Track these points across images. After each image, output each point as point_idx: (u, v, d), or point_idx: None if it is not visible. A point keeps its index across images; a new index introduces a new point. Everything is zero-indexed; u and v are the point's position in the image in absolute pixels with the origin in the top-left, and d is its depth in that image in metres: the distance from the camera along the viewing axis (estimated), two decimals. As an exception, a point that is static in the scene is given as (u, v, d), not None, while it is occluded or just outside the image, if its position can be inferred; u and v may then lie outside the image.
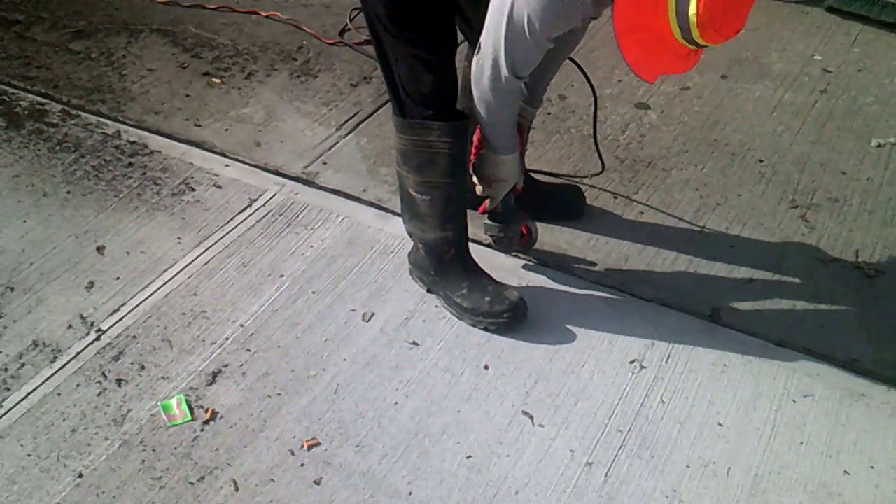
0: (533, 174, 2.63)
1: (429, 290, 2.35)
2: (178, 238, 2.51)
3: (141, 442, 1.99)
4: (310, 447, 1.99)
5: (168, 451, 1.98)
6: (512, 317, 2.24)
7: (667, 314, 2.33)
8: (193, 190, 2.68)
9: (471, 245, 2.34)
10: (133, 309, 2.30)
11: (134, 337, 2.23)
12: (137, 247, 2.48)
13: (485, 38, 1.96)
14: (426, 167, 2.15)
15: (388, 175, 2.73)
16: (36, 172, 2.72)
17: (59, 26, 3.45)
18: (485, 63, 1.98)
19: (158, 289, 2.36)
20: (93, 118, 2.96)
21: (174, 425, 2.03)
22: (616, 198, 2.71)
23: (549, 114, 3.05)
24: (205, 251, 2.47)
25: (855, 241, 2.58)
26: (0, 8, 3.53)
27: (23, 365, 2.15)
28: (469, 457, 1.99)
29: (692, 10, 1.65)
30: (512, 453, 2.00)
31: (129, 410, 2.06)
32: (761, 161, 2.88)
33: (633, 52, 1.76)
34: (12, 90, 3.08)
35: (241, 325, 2.26)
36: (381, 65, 2.11)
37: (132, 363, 2.16)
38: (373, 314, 2.30)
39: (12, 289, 2.35)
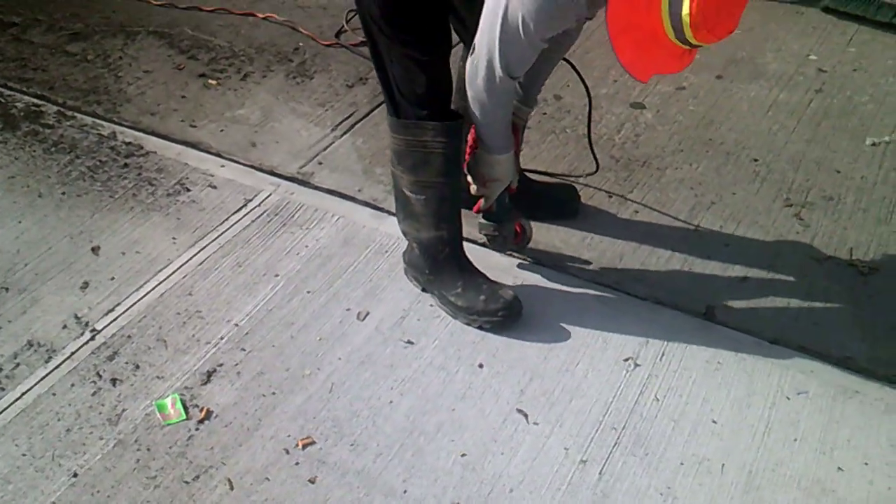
0: (528, 173, 2.63)
1: (423, 290, 2.36)
2: (173, 238, 2.51)
3: (136, 441, 1.99)
4: (304, 446, 2.00)
5: (163, 451, 1.98)
6: (506, 315, 2.24)
7: (661, 312, 2.34)
8: (189, 190, 2.68)
9: (465, 244, 2.35)
10: (128, 309, 2.30)
11: (129, 337, 2.23)
12: (132, 247, 2.48)
13: (479, 38, 1.97)
14: (420, 167, 2.15)
15: (383, 175, 2.74)
16: (31, 173, 2.73)
17: (55, 28, 3.46)
18: (479, 63, 1.99)
19: (153, 289, 2.36)
20: (88, 119, 2.97)
21: (169, 424, 2.03)
22: (611, 197, 2.72)
23: (544, 114, 3.06)
24: (200, 251, 2.48)
25: (849, 239, 2.58)
26: (-4, 10, 3.54)
27: (17, 365, 2.15)
28: (464, 455, 1.99)
29: (685, 10, 1.66)
30: (506, 451, 2.00)
31: (123, 410, 2.06)
32: (756, 160, 2.88)
33: (626, 53, 1.77)
34: (8, 92, 3.09)
35: (236, 325, 2.27)
36: (376, 65, 2.12)
37: (127, 363, 2.17)
38: (368, 313, 2.31)
39: (7, 289, 2.35)
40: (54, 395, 2.09)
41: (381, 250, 2.49)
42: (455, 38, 2.20)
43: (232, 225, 2.56)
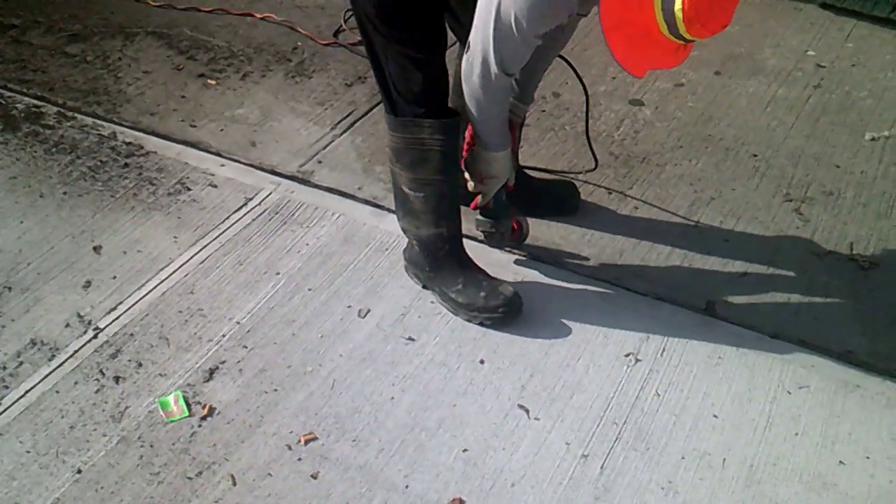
0: (527, 170, 2.64)
1: (424, 287, 2.36)
2: (175, 237, 2.52)
3: (139, 438, 2.00)
4: (307, 442, 2.00)
5: (166, 447, 1.98)
6: (507, 311, 2.25)
7: (661, 308, 2.34)
8: (189, 189, 2.69)
9: (465, 241, 2.35)
10: (130, 307, 2.31)
11: (131, 335, 2.24)
12: (134, 246, 2.49)
13: (474, 36, 1.98)
14: (419, 165, 2.16)
15: (382, 173, 2.74)
16: (32, 174, 2.73)
17: (54, 30, 3.46)
18: (474, 61, 2.00)
19: (155, 287, 2.37)
20: (89, 120, 2.98)
21: (172, 421, 2.04)
22: (610, 193, 2.72)
23: (543, 111, 3.07)
24: (201, 250, 2.48)
25: (849, 233, 2.59)
26: (-4, 12, 3.55)
27: (21, 363, 2.16)
28: (465, 450, 2.00)
29: (678, 5, 1.66)
30: (508, 446, 2.01)
31: (126, 407, 2.07)
32: (755, 156, 2.89)
33: (620, 48, 1.77)
34: (8, 93, 3.09)
35: (238, 323, 2.27)
36: (373, 64, 2.12)
37: (130, 361, 2.17)
38: (369, 310, 2.31)
39: (10, 288, 2.36)
40: (58, 392, 2.10)
41: (382, 248, 2.49)
42: (451, 36, 2.20)
43: (233, 223, 2.57)
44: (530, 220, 2.49)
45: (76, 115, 3.00)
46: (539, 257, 2.48)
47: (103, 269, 2.42)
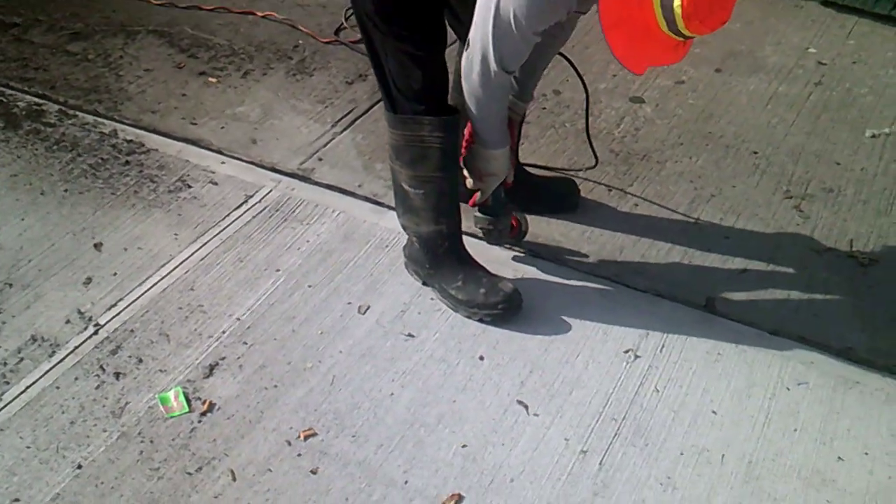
0: (528, 167, 2.64)
1: (424, 283, 2.37)
2: (175, 234, 2.52)
3: (139, 433, 2.01)
4: (306, 437, 2.01)
5: (166, 443, 1.99)
6: (506, 308, 2.25)
7: (661, 304, 2.35)
8: (190, 187, 2.69)
9: (465, 238, 2.36)
10: (130, 304, 2.32)
11: (131, 331, 2.24)
12: (134, 243, 2.49)
13: (473, 33, 1.98)
14: (418, 162, 2.16)
15: (383, 170, 2.75)
16: (34, 171, 2.74)
17: (56, 28, 3.47)
18: (474, 58, 2.00)
19: (155, 284, 2.37)
20: (90, 118, 2.98)
21: (172, 417, 2.04)
22: (610, 190, 2.72)
23: (543, 108, 3.07)
24: (201, 247, 2.49)
25: (849, 230, 2.59)
26: (-2, 11, 3.56)
27: (22, 359, 2.17)
28: (464, 446, 2.00)
29: (677, 1, 1.67)
30: (507, 442, 2.01)
31: (127, 403, 2.07)
32: (755, 153, 2.89)
33: (620, 45, 1.77)
34: (10, 91, 3.10)
35: (238, 319, 2.28)
36: (372, 61, 2.13)
37: (130, 357, 2.18)
38: (368, 307, 2.32)
39: (11, 285, 2.36)
40: (58, 388, 2.10)
41: (382, 245, 2.50)
42: (452, 34, 2.21)
43: (233, 221, 2.57)
44: (530, 217, 2.49)
45: (77, 113, 3.01)
46: (539, 254, 2.49)
47: (104, 265, 2.43)
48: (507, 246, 2.49)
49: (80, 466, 1.94)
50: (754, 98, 3.15)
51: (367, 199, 2.67)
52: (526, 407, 2.09)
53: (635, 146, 2.91)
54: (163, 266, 2.43)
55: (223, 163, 2.80)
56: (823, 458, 2.00)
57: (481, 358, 2.20)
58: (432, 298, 2.34)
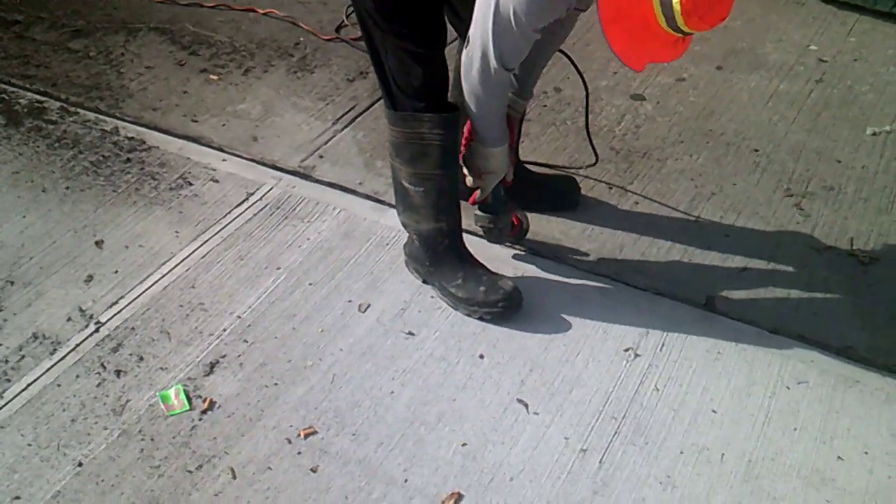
0: (528, 165, 2.64)
1: (424, 281, 2.37)
2: (176, 232, 2.53)
3: (140, 431, 2.01)
4: (306, 436, 2.01)
5: (166, 440, 1.99)
6: (507, 306, 2.25)
7: (661, 303, 2.35)
8: (191, 184, 2.70)
9: (466, 236, 2.36)
10: (132, 301, 2.32)
11: (132, 329, 2.25)
12: (136, 240, 2.50)
13: (473, 30, 1.98)
14: (418, 159, 2.17)
15: (384, 168, 2.75)
16: (35, 169, 2.74)
17: (57, 26, 3.47)
18: (474, 55, 2.00)
19: (157, 281, 2.38)
20: (91, 115, 2.98)
21: (172, 415, 2.05)
22: (611, 188, 2.72)
23: (544, 106, 3.07)
24: (202, 244, 2.49)
25: (850, 228, 2.59)
26: (-1, 8, 3.56)
27: (23, 357, 2.17)
28: (464, 444, 2.01)
29: None
30: (507, 440, 2.02)
31: (127, 401, 2.08)
32: (756, 150, 2.89)
33: (619, 41, 1.78)
34: (11, 88, 3.10)
35: (239, 317, 2.28)
36: (372, 58, 2.13)
37: (131, 354, 2.18)
38: (369, 305, 2.32)
39: (12, 282, 2.37)
40: (59, 386, 2.11)
41: (382, 243, 2.50)
42: (453, 31, 2.21)
43: (234, 218, 2.58)
44: (530, 215, 2.49)
45: (79, 110, 3.01)
46: (539, 252, 2.49)
47: (105, 263, 2.43)
48: (508, 244, 2.49)
49: (80, 464, 1.94)
50: (755, 95, 3.15)
51: (367, 196, 2.67)
52: (526, 405, 2.09)
53: (636, 144, 2.91)
54: (164, 264, 2.43)
55: (224, 160, 2.81)
56: (823, 457, 2.00)
57: (481, 356, 2.20)
58: (432, 296, 2.34)
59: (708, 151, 2.89)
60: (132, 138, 2.88)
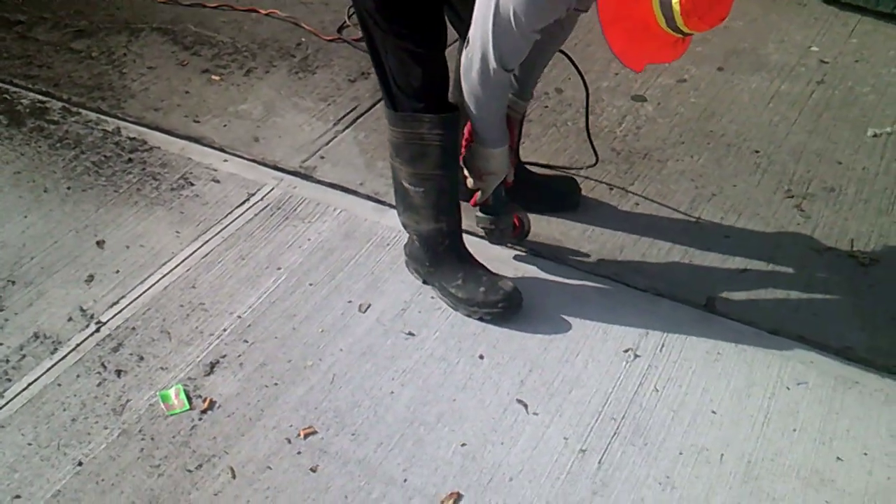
0: (529, 166, 2.64)
1: (424, 282, 2.37)
2: (177, 232, 2.53)
3: (140, 431, 2.02)
4: (306, 435, 2.02)
5: (166, 440, 2.00)
6: (506, 307, 2.25)
7: (661, 304, 2.35)
8: (192, 185, 2.70)
9: (466, 236, 2.36)
10: (132, 301, 2.33)
11: (133, 329, 2.25)
12: (137, 240, 2.50)
13: (473, 31, 1.99)
14: (418, 159, 2.17)
15: (385, 168, 2.75)
16: (37, 169, 2.75)
17: (60, 26, 3.48)
18: (473, 56, 2.01)
19: (157, 281, 2.38)
20: (93, 115, 2.99)
21: (172, 414, 2.05)
22: (612, 189, 2.73)
23: (546, 107, 3.07)
24: (203, 244, 2.50)
25: (850, 230, 2.59)
26: (2, 9, 3.56)
27: (24, 356, 2.18)
28: (464, 444, 2.01)
29: None
30: (506, 441, 2.02)
31: (128, 400, 2.08)
32: (757, 152, 2.89)
33: (618, 42, 1.78)
34: (14, 89, 3.11)
35: (239, 317, 2.29)
36: (373, 58, 2.13)
37: (131, 354, 2.19)
38: (369, 305, 2.32)
39: (13, 282, 2.37)
40: (60, 385, 2.11)
41: (383, 243, 2.50)
42: (453, 32, 2.21)
43: (235, 219, 2.58)
44: (531, 216, 2.49)
45: (81, 110, 3.02)
46: (539, 253, 2.49)
47: (106, 263, 2.44)
48: (509, 245, 2.49)
49: (80, 463, 1.95)
50: (756, 96, 3.15)
51: (368, 197, 2.67)
52: (525, 406, 2.09)
53: (637, 145, 2.91)
54: (164, 264, 2.44)
55: (225, 161, 2.81)
56: (822, 458, 2.00)
57: (481, 357, 2.20)
58: (433, 297, 2.34)
59: (709, 152, 2.89)
60: (134, 138, 2.89)
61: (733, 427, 2.06)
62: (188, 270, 2.42)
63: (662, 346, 2.24)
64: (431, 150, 2.14)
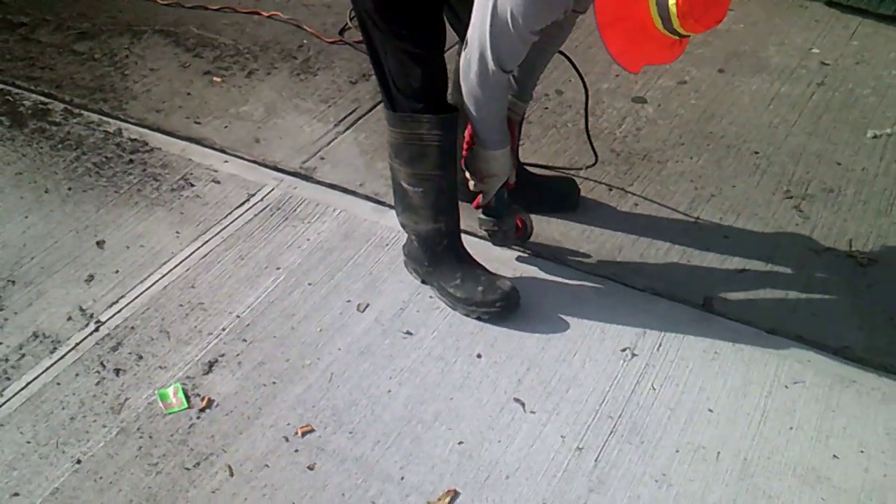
0: (528, 167, 2.65)
1: (423, 281, 2.38)
2: (177, 232, 2.54)
3: (138, 429, 2.03)
4: (304, 434, 2.02)
5: (164, 438, 2.01)
6: (504, 306, 2.26)
7: (658, 303, 2.35)
8: (192, 185, 2.71)
9: (466, 237, 2.37)
10: (132, 301, 2.34)
11: (132, 328, 2.26)
12: (137, 241, 2.52)
13: (471, 32, 1.99)
14: (417, 160, 2.18)
15: (384, 169, 2.75)
16: (38, 170, 2.77)
17: (63, 28, 3.50)
18: (472, 58, 2.01)
19: (157, 281, 2.39)
20: (95, 117, 3.01)
21: (171, 413, 2.06)
22: (611, 190, 2.73)
23: (546, 108, 3.08)
24: (203, 245, 2.51)
25: (849, 230, 2.59)
26: (5, 11, 3.58)
27: (23, 355, 2.19)
28: (461, 442, 2.01)
29: None
30: (503, 439, 2.02)
31: (126, 399, 2.09)
32: (756, 153, 2.89)
33: (616, 44, 1.78)
34: (16, 90, 3.13)
35: (238, 316, 2.30)
36: (372, 59, 2.15)
37: (130, 353, 2.20)
38: (368, 305, 2.33)
39: (14, 282, 2.39)
40: (59, 384, 2.12)
41: (382, 243, 2.51)
42: (453, 34, 2.22)
43: (235, 219, 2.59)
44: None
45: (83, 111, 3.03)
46: (538, 253, 2.49)
47: (106, 263, 2.45)
48: (514, 246, 2.49)
49: (79, 461, 1.96)
50: (756, 98, 3.16)
51: (368, 197, 2.68)
52: (523, 404, 2.10)
53: (636, 146, 2.92)
54: (164, 264, 2.45)
55: (226, 162, 2.82)
56: (819, 455, 2.00)
57: (479, 356, 2.21)
58: (431, 296, 2.35)
59: (708, 154, 2.89)
60: (135, 140, 2.90)
61: (730, 425, 2.06)
62: (188, 270, 2.43)
63: (660, 345, 2.24)
64: (430, 151, 2.15)
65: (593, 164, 2.69)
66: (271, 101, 3.12)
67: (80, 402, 2.08)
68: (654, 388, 2.14)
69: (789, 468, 1.97)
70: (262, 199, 2.66)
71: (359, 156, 2.86)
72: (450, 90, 2.23)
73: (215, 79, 3.23)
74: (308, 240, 2.52)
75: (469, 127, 2.20)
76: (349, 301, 2.34)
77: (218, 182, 2.73)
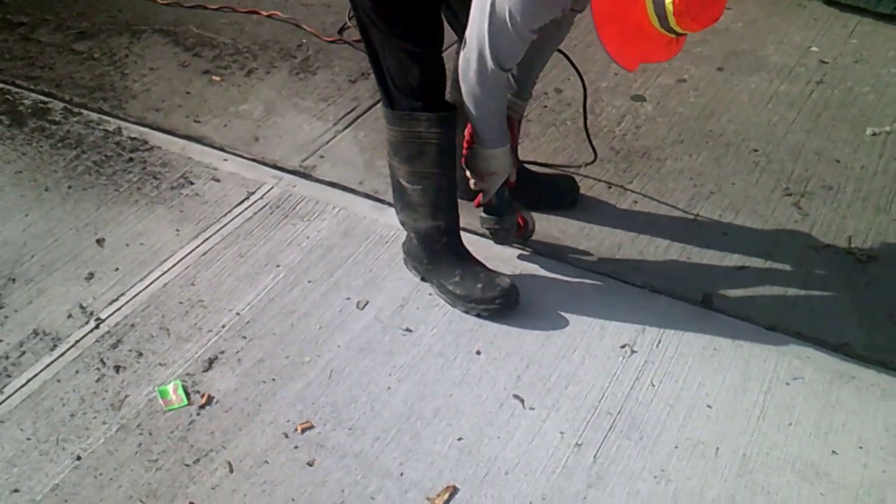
0: (527, 165, 2.65)
1: (423, 279, 2.38)
2: (177, 230, 2.55)
3: (138, 426, 2.03)
4: (303, 430, 2.03)
5: (164, 435, 2.01)
6: (504, 303, 2.26)
7: (658, 300, 2.36)
8: (192, 184, 2.72)
9: (465, 235, 2.37)
10: (132, 298, 2.34)
11: (132, 325, 2.27)
12: (137, 239, 2.52)
13: (469, 31, 2.00)
14: (416, 158, 2.18)
15: (384, 167, 2.74)
16: (38, 168, 2.77)
17: (62, 28, 3.51)
18: (470, 56, 2.02)
19: (157, 279, 2.40)
20: (94, 116, 3.01)
21: (171, 410, 2.06)
22: (610, 187, 2.74)
23: (545, 107, 3.08)
24: (203, 242, 2.51)
25: (848, 227, 2.59)
26: (5, 11, 3.58)
27: (23, 353, 2.19)
28: (460, 439, 2.02)
29: None
30: (503, 435, 2.03)
31: (126, 396, 2.10)
32: (756, 150, 2.90)
33: (612, 42, 1.79)
34: (16, 89, 3.13)
35: (238, 314, 2.30)
36: (371, 58, 2.15)
37: (130, 350, 2.20)
38: (367, 302, 2.33)
39: (14, 280, 2.39)
40: (59, 381, 2.13)
41: (382, 241, 2.52)
42: (451, 33, 2.23)
43: (234, 217, 2.60)
44: (529, 214, 2.51)
45: (82, 110, 3.04)
46: (537, 250, 2.50)
47: (106, 261, 2.45)
48: (516, 244, 2.50)
49: (79, 458, 1.96)
50: (755, 96, 3.16)
51: (367, 195, 2.69)
52: (522, 401, 2.10)
53: (636, 144, 2.92)
54: (164, 261, 2.45)
55: (225, 160, 2.83)
56: (818, 451, 2.00)
57: (478, 352, 2.21)
58: (430, 294, 2.35)
59: (707, 151, 2.89)
60: (135, 138, 2.91)
61: (729, 421, 2.06)
62: (187, 268, 2.43)
63: (659, 341, 2.24)
64: (429, 149, 2.16)
65: (592, 162, 2.69)
66: (271, 100, 3.12)
67: (81, 398, 2.09)
68: (653, 385, 2.14)
69: (788, 464, 1.97)
70: (261, 197, 2.67)
71: (358, 154, 2.86)
72: (448, 88, 2.24)
73: (214, 78, 3.23)
74: (308, 237, 2.53)
75: (469, 126, 2.21)
76: (349, 298, 2.34)
77: (217, 180, 2.73)
